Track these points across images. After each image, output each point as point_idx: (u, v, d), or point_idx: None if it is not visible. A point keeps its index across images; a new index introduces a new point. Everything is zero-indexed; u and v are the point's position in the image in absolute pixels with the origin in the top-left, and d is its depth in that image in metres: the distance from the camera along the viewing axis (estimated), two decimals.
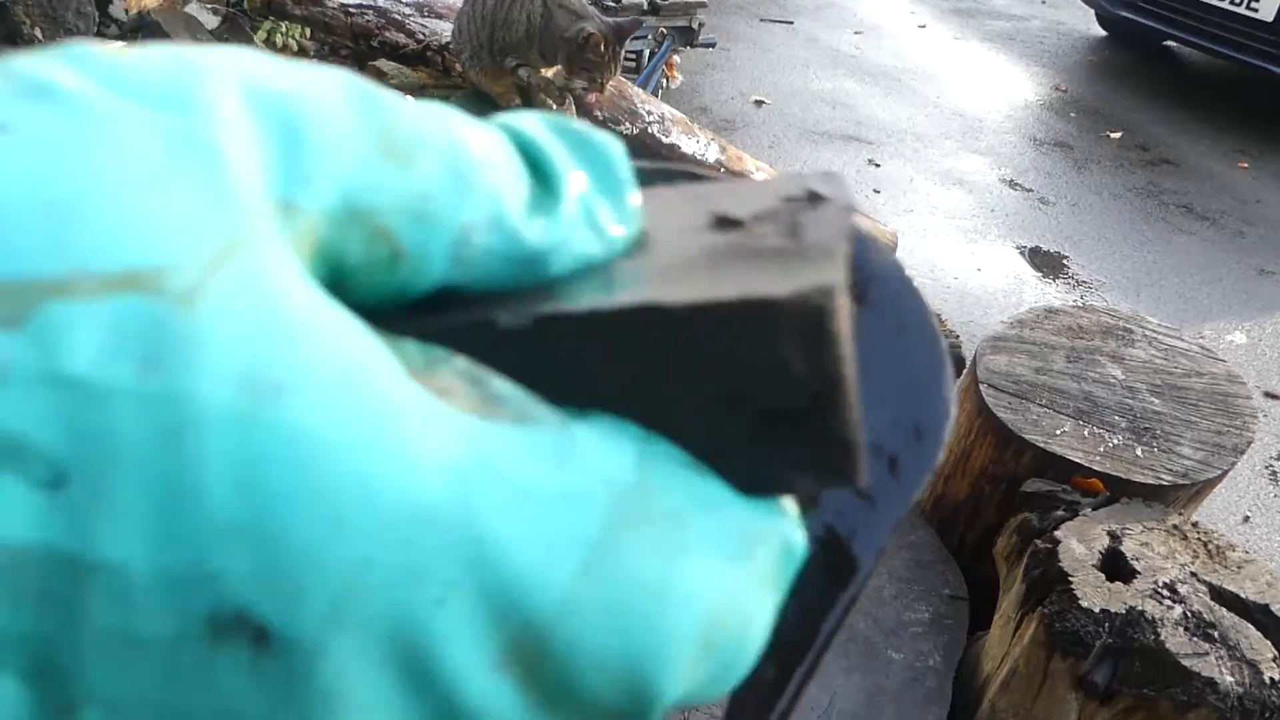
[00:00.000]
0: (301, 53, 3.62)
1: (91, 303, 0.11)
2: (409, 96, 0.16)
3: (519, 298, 0.15)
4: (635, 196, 0.17)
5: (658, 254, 0.16)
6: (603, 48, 1.86)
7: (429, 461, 0.12)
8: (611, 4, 2.84)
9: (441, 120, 0.15)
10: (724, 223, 0.17)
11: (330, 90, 0.14)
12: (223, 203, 0.12)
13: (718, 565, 0.14)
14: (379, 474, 0.12)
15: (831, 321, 0.14)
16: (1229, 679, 1.08)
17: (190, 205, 0.12)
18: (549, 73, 1.91)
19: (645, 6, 2.75)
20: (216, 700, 0.12)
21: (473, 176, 0.15)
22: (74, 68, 0.12)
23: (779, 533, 0.15)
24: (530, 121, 0.16)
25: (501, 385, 0.14)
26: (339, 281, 0.14)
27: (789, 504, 0.16)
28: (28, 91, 0.12)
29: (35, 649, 0.11)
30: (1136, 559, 1.22)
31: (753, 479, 0.15)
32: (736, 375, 0.14)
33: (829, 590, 0.20)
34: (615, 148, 0.17)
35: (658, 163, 0.20)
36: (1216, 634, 1.12)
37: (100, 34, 3.06)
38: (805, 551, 0.16)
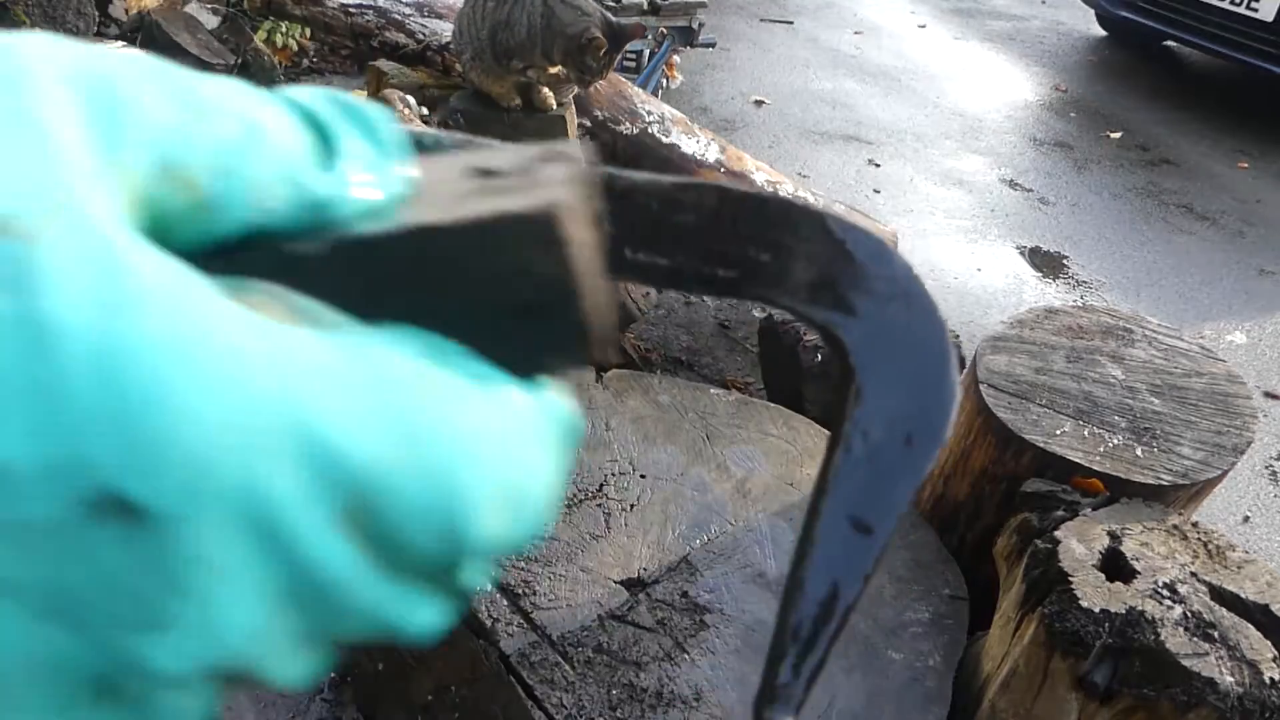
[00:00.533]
0: (301, 52, 3.62)
1: None
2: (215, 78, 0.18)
3: (312, 236, 0.18)
4: (405, 154, 0.20)
5: (426, 198, 0.19)
6: (602, 53, 1.86)
7: (253, 355, 0.15)
8: (612, 4, 2.84)
9: (235, 90, 0.18)
10: (482, 173, 0.20)
11: (138, 69, 0.16)
12: (50, 161, 0.14)
13: (499, 427, 0.18)
14: (210, 367, 0.14)
15: (561, 225, 0.18)
16: (1229, 679, 1.08)
17: (23, 164, 0.14)
18: (554, 71, 1.91)
19: (645, 6, 2.75)
20: (96, 574, 0.14)
21: (262, 134, 0.17)
22: None
23: (546, 402, 0.19)
24: (309, 94, 0.19)
25: (302, 301, 0.17)
26: (160, 231, 0.16)
27: (552, 382, 0.20)
28: None
29: None
30: (1136, 559, 1.22)
31: (518, 363, 0.19)
32: (492, 277, 0.18)
33: (857, 544, 0.23)
34: (384, 115, 0.20)
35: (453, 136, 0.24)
36: (1216, 634, 1.12)
37: (100, 34, 3.06)
38: (574, 418, 0.20)
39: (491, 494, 0.17)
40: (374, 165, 0.19)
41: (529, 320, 0.19)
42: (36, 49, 0.15)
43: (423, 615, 0.17)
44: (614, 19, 1.87)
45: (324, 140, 0.19)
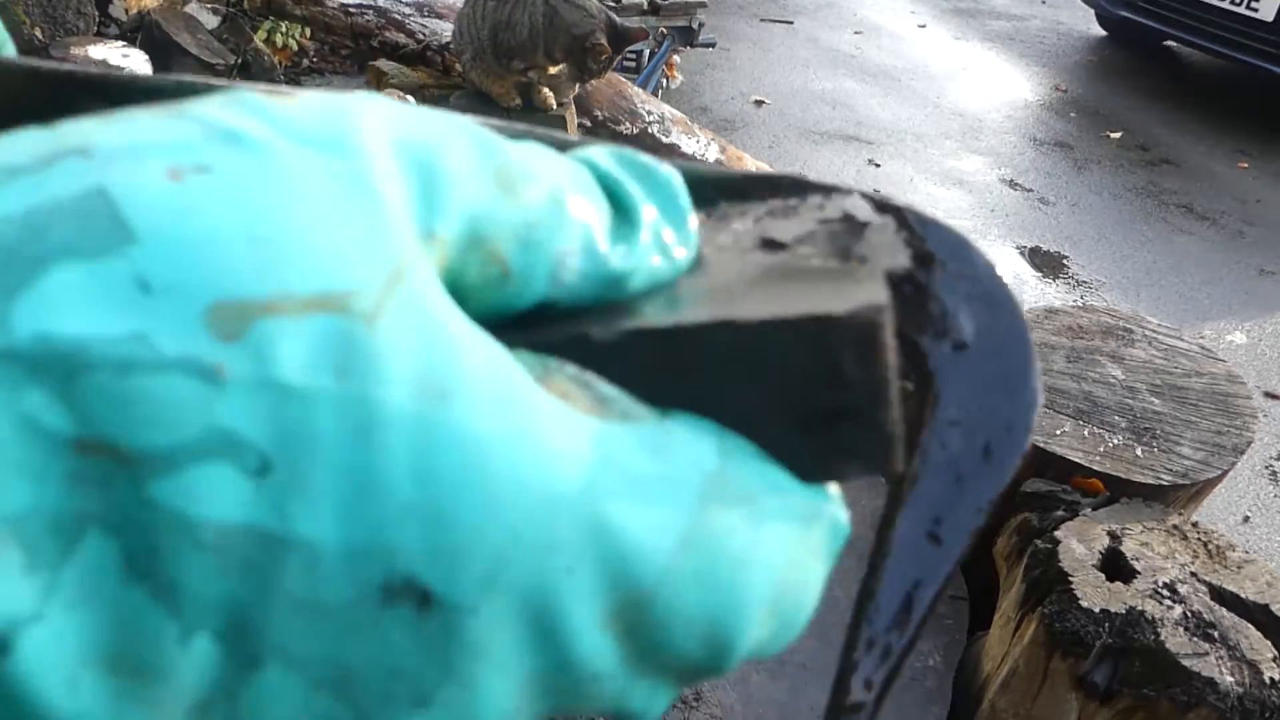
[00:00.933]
0: (301, 52, 3.62)
1: (294, 321, 0.13)
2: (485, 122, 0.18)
3: (604, 313, 0.17)
4: (694, 221, 0.19)
5: (714, 273, 0.19)
6: (604, 57, 1.86)
7: (563, 455, 0.15)
8: (612, 3, 2.84)
9: (543, 157, 0.17)
10: (770, 244, 0.19)
11: (456, 134, 0.16)
12: (387, 234, 0.14)
13: (784, 539, 0.17)
14: (526, 465, 0.14)
15: (882, 334, 0.17)
16: (1229, 679, 1.08)
17: (363, 237, 0.14)
18: (554, 70, 1.91)
19: (645, 6, 2.75)
20: (380, 654, 0.14)
21: (568, 207, 0.17)
22: (255, 117, 0.14)
23: (829, 512, 0.18)
24: (603, 155, 0.19)
25: (606, 388, 0.16)
26: (456, 299, 0.16)
27: (834, 489, 0.19)
28: (221, 137, 0.14)
29: (231, 612, 0.13)
30: (1136, 559, 1.22)
31: (809, 468, 0.18)
32: (799, 380, 0.17)
33: (933, 553, 0.22)
34: (676, 178, 0.19)
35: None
36: (1216, 634, 1.12)
37: (100, 34, 3.06)
38: (848, 529, 0.19)
39: (764, 604, 0.17)
40: (665, 236, 0.18)
41: (827, 425, 0.17)
42: (368, 109, 0.15)
43: (658, 704, 0.17)
44: (618, 21, 1.86)
45: (621, 208, 0.18)
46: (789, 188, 0.22)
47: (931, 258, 0.22)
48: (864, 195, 0.21)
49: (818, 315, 0.17)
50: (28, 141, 0.13)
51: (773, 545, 0.17)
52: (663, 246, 0.18)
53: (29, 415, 0.12)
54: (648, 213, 0.18)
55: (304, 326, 0.13)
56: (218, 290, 0.13)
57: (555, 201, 0.17)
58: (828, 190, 0.22)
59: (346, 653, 0.14)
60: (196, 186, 0.13)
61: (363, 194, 0.14)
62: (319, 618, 0.13)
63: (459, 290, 0.16)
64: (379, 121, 0.15)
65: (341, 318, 0.13)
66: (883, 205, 0.22)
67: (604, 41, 1.83)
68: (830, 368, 0.17)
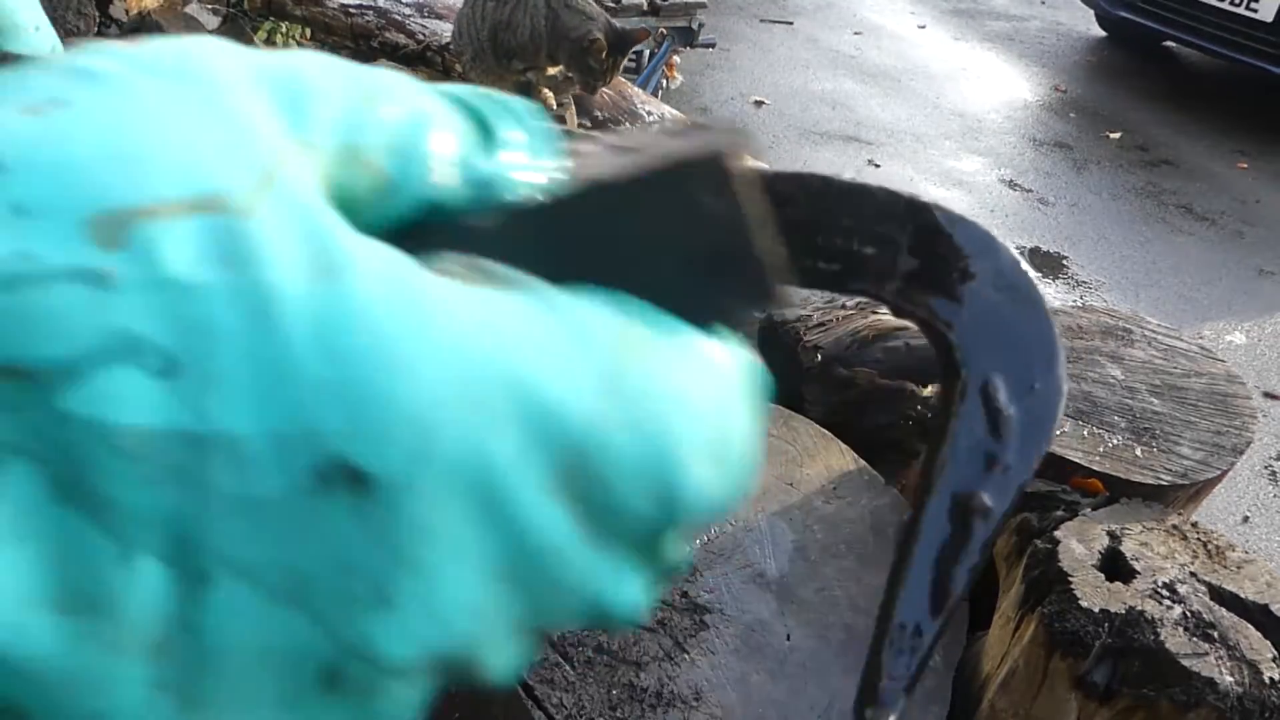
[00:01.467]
0: None
1: (173, 222, 0.13)
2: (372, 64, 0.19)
3: (483, 212, 0.18)
4: (559, 138, 0.20)
5: (578, 172, 0.20)
6: (604, 55, 1.86)
7: (466, 321, 0.15)
8: (612, 4, 2.84)
9: (399, 79, 0.18)
10: (629, 150, 0.20)
11: (318, 62, 0.17)
12: (252, 141, 0.15)
13: (700, 379, 0.17)
14: (432, 330, 0.14)
15: (728, 162, 0.18)
16: (1229, 679, 1.08)
17: (227, 144, 0.14)
18: (553, 71, 1.91)
19: (645, 7, 2.75)
20: (327, 549, 0.14)
21: (430, 118, 0.18)
22: (108, 58, 0.15)
23: (737, 353, 0.19)
24: (464, 89, 0.20)
25: (493, 266, 0.17)
26: (349, 214, 0.16)
27: (727, 330, 0.19)
28: (75, 75, 0.14)
29: (170, 526, 0.13)
30: (1136, 559, 1.22)
31: (701, 313, 0.18)
32: (666, 227, 0.18)
33: (964, 536, 0.23)
34: (532, 107, 0.20)
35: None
36: (1216, 634, 1.12)
37: (100, 34, 3.06)
38: (759, 367, 0.19)
39: (700, 446, 0.17)
40: (531, 151, 0.20)
41: (706, 269, 0.18)
42: (213, 46, 0.16)
43: (630, 590, 0.17)
44: (618, 24, 1.86)
45: (483, 129, 0.19)
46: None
47: (958, 251, 0.23)
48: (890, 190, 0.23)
49: (672, 159, 0.18)
50: None
51: (690, 385, 0.17)
52: (531, 158, 0.19)
53: None
54: (510, 129, 0.19)
55: (184, 226, 0.13)
56: (93, 203, 0.13)
57: (419, 112, 0.18)
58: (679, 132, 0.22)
59: (294, 553, 0.13)
60: (57, 119, 0.13)
61: (220, 110, 0.15)
62: (258, 516, 0.13)
63: (346, 203, 0.16)
64: (233, 56, 0.16)
65: (218, 216, 0.13)
66: (912, 202, 0.23)
67: (600, 37, 1.83)
68: (692, 206, 0.18)
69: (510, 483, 0.15)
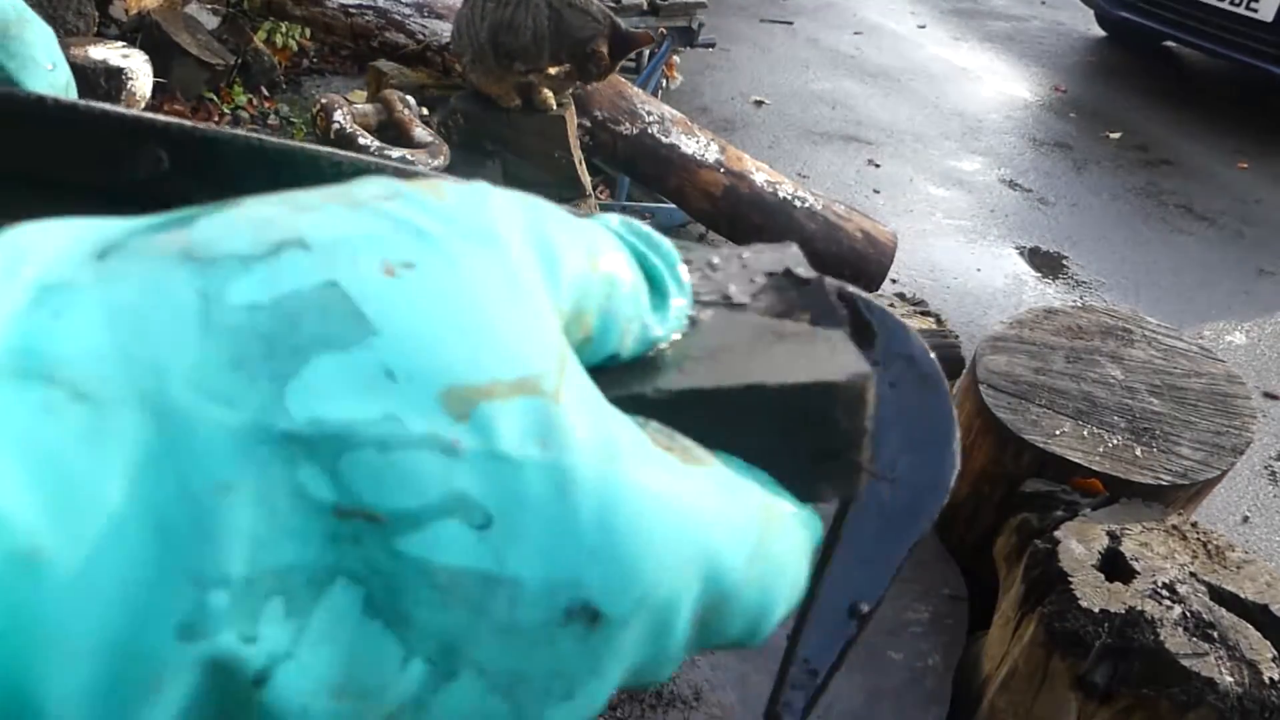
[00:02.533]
0: (301, 53, 3.62)
1: (505, 402, 0.16)
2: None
3: (641, 370, 0.21)
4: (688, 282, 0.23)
5: (707, 333, 0.23)
6: (607, 61, 1.85)
7: (692, 503, 0.18)
8: (612, 4, 2.84)
9: (597, 231, 0.21)
10: (732, 305, 0.24)
11: (550, 213, 0.19)
12: (549, 322, 0.17)
13: (802, 546, 0.22)
14: (667, 513, 0.18)
15: (869, 394, 0.23)
16: (1228, 679, 1.08)
17: (535, 326, 0.17)
18: (554, 71, 1.91)
19: (645, 7, 2.75)
20: (550, 662, 0.17)
21: (623, 280, 0.20)
22: (425, 213, 0.17)
23: (817, 524, 0.23)
24: (621, 227, 0.22)
25: (683, 439, 0.20)
26: None
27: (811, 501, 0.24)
28: (409, 233, 0.17)
29: (446, 638, 0.16)
30: (1136, 559, 1.22)
31: (803, 492, 0.23)
32: (805, 427, 0.22)
33: (862, 583, 0.27)
34: (670, 246, 0.23)
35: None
36: (1216, 634, 1.12)
37: (100, 34, 3.06)
38: (821, 531, 0.24)
39: (792, 593, 0.22)
40: (679, 303, 0.22)
41: (821, 460, 0.23)
42: (499, 200, 0.18)
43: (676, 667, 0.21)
44: (623, 26, 1.86)
45: (650, 279, 0.22)
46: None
47: (874, 335, 0.27)
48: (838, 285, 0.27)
49: (824, 382, 0.22)
50: (240, 225, 0.16)
51: (798, 551, 0.22)
52: (681, 313, 0.22)
53: (301, 487, 0.14)
54: (671, 286, 0.22)
55: (511, 406, 0.16)
56: (447, 377, 0.15)
57: (616, 272, 0.20)
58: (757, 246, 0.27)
59: (526, 662, 0.17)
60: (409, 282, 0.16)
61: (520, 284, 0.17)
62: (512, 637, 0.16)
63: None
64: (507, 208, 0.18)
65: (538, 398, 0.16)
66: (841, 290, 0.27)
67: (604, 49, 1.83)
68: (829, 420, 0.22)
69: (679, 621, 0.19)
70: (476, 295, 0.16)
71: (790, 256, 0.26)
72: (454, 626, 0.16)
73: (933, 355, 0.28)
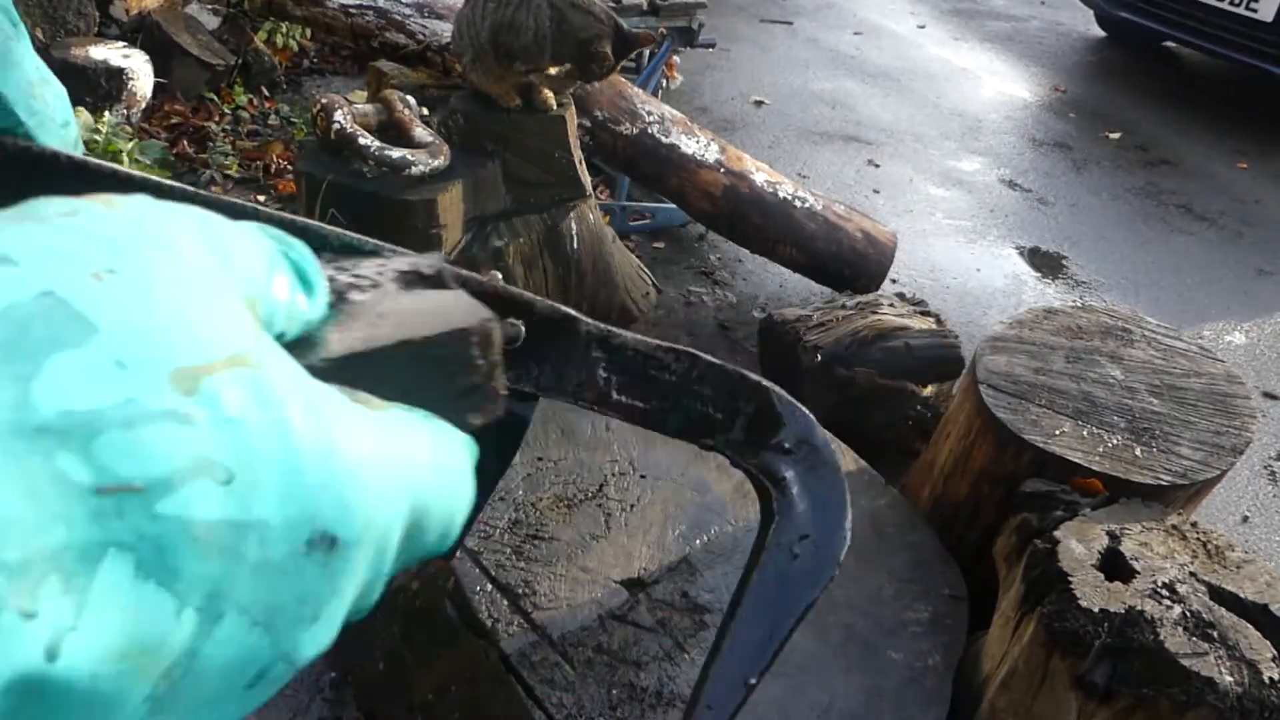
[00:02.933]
0: (302, 53, 3.61)
1: (224, 375, 0.18)
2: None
3: (308, 344, 0.25)
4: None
5: (352, 307, 0.27)
6: (609, 63, 1.85)
7: (389, 439, 0.23)
8: (612, 4, 2.84)
9: (257, 236, 0.24)
10: (376, 285, 0.29)
11: (216, 220, 0.22)
12: (240, 309, 0.20)
13: (465, 463, 0.27)
14: (376, 449, 0.22)
15: (495, 335, 0.28)
16: (1228, 679, 1.08)
17: (231, 313, 0.20)
18: (554, 71, 1.91)
19: (645, 7, 2.75)
20: (299, 588, 0.19)
21: (281, 274, 0.24)
22: (111, 225, 0.19)
23: (473, 444, 0.28)
24: (270, 230, 0.25)
25: (358, 393, 0.24)
26: None
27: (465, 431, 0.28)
28: (104, 243, 0.19)
29: (210, 585, 0.18)
30: (1135, 559, 1.22)
31: (459, 420, 0.27)
32: (450, 368, 0.27)
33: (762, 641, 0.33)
34: (303, 244, 0.26)
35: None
36: (1215, 634, 1.12)
37: (100, 34, 3.06)
38: (477, 448, 0.28)
39: (468, 503, 0.27)
40: (323, 286, 0.26)
41: (467, 394, 0.28)
42: (171, 212, 0.21)
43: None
44: (625, 26, 1.85)
45: (303, 276, 0.25)
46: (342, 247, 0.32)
47: (783, 427, 0.33)
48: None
49: (459, 329, 0.27)
50: None
51: (466, 466, 0.27)
52: (325, 295, 0.26)
53: (61, 473, 0.16)
54: (313, 274, 0.25)
55: (230, 379, 0.19)
56: (172, 360, 0.18)
57: (274, 270, 0.23)
58: (384, 250, 0.32)
59: (279, 593, 0.19)
60: (117, 284, 0.18)
61: (208, 281, 0.20)
62: (266, 572, 0.19)
63: None
64: (178, 218, 0.21)
65: (249, 370, 0.19)
66: (757, 385, 0.33)
67: (607, 50, 1.82)
68: (466, 357, 0.27)
69: (396, 536, 0.22)
70: (177, 292, 0.19)
71: (423, 262, 0.31)
72: (216, 572, 0.18)
73: (833, 446, 0.33)
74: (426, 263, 0.31)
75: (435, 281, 0.30)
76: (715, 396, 0.33)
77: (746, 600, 0.31)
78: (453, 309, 0.28)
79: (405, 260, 0.31)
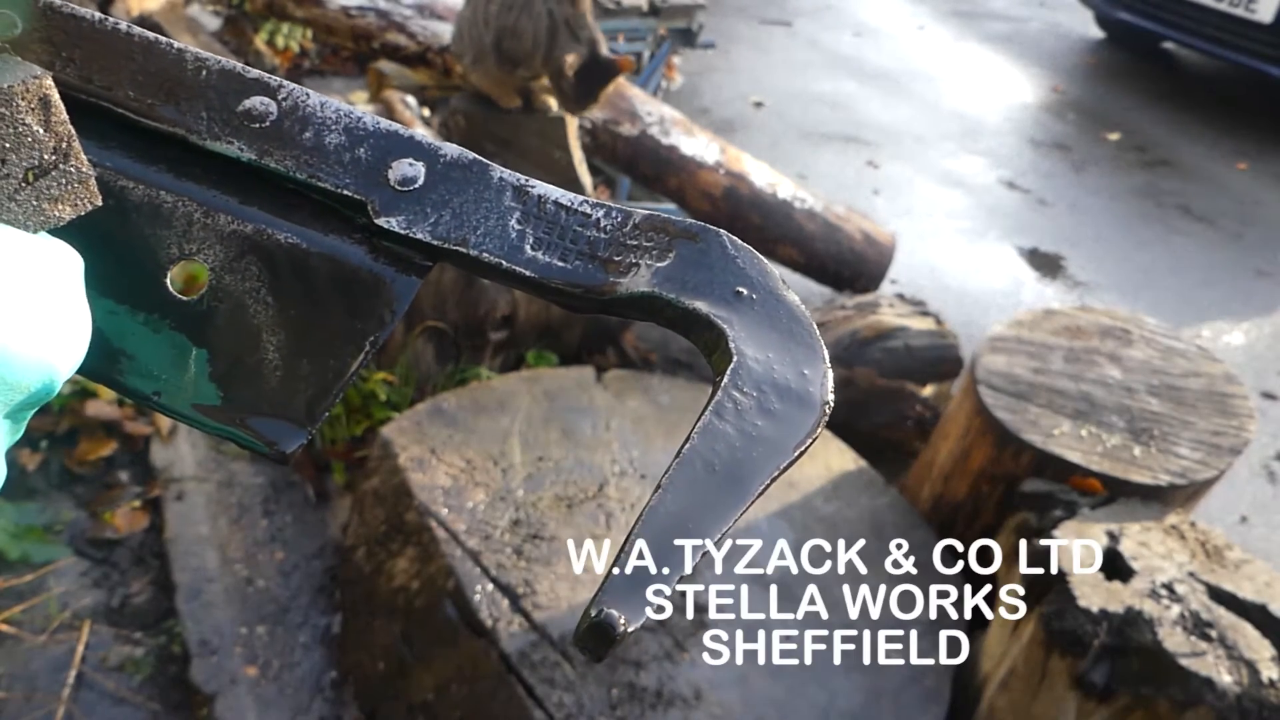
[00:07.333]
0: (303, 54, 3.62)
1: None
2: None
3: None
4: None
5: None
6: (569, 79, 1.84)
7: None
8: (612, 5, 2.84)
9: None
10: None
11: None
12: None
13: (48, 271, 0.23)
14: None
15: (51, 94, 0.23)
16: (1227, 678, 1.08)
17: None
18: (545, 81, 1.92)
19: (645, 8, 2.75)
20: None
21: None
22: None
23: (57, 249, 0.24)
24: None
25: None
26: None
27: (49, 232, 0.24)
28: None
29: None
30: (1134, 559, 1.22)
31: (38, 220, 0.23)
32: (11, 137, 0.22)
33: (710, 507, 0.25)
34: None
35: None
36: (1214, 633, 1.13)
37: None
38: (78, 254, 0.24)
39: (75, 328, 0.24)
40: None
41: (36, 178, 0.23)
42: None
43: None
44: (602, 53, 1.85)
45: None
46: None
47: (736, 266, 0.29)
48: None
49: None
50: None
51: (51, 277, 0.23)
52: None
53: None
54: None
55: None
56: None
57: None
58: None
59: None
60: None
61: None
62: None
63: None
64: None
65: None
66: (691, 224, 0.29)
67: (570, 67, 1.82)
68: (21, 129, 0.22)
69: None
70: None
71: None
72: None
73: (782, 281, 0.29)
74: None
75: None
76: (654, 248, 0.29)
77: (696, 436, 0.25)
78: None
79: None
